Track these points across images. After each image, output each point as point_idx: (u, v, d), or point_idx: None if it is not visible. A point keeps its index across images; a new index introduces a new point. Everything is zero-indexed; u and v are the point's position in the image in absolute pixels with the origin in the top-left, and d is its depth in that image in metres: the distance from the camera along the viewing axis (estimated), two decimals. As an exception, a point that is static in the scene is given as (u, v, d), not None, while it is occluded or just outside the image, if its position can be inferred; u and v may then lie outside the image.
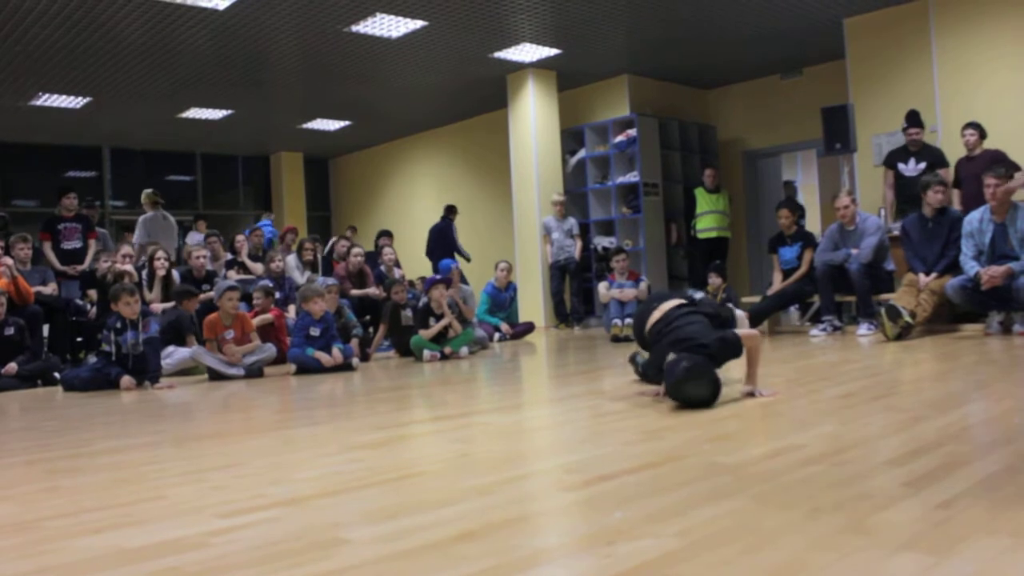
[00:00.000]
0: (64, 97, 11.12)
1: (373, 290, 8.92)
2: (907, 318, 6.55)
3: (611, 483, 2.46)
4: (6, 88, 10.48)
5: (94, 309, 8.03)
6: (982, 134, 7.74)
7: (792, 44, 10.50)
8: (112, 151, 14.71)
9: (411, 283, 10.31)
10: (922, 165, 8.13)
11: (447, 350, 7.51)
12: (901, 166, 8.29)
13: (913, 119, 8.25)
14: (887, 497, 2.14)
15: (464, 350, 7.61)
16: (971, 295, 6.55)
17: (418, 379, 6.10)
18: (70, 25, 8.33)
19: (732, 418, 3.56)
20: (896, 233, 7.73)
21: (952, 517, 1.95)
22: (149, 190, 10.37)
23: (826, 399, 3.87)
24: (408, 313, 8.01)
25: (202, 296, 7.81)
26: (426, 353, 7.40)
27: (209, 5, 7.99)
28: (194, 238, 11.12)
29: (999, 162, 7.11)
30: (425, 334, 7.55)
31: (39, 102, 11.23)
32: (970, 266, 6.53)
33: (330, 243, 11.65)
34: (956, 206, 7.54)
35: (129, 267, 7.93)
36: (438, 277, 8.20)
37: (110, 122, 12.71)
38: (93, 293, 8.20)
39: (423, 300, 7.87)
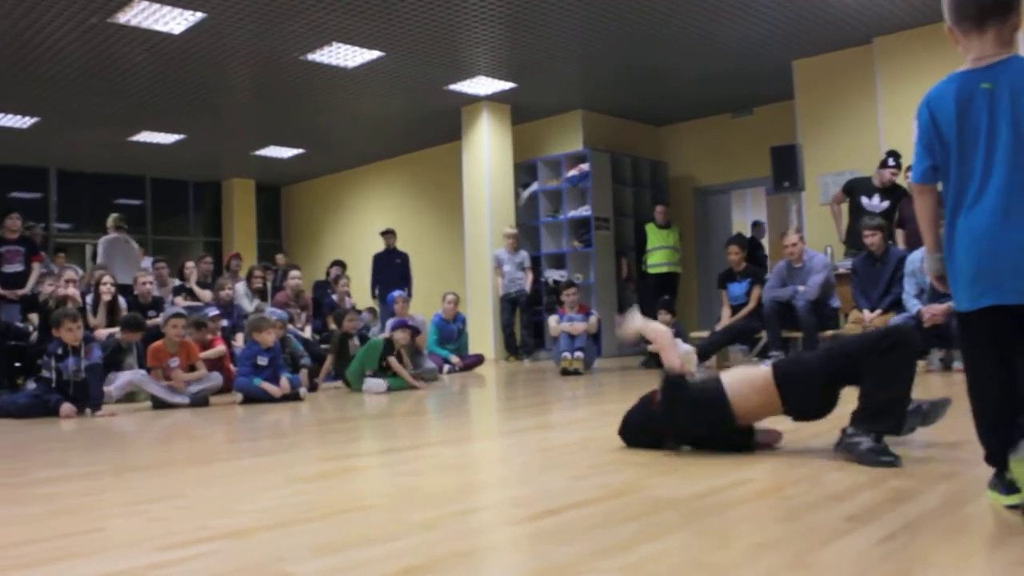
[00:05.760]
0: (10, 116, 10.91)
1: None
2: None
3: (558, 518, 2.45)
4: (-51, 106, 10.30)
5: (36, 333, 7.84)
6: None
7: (743, 84, 10.72)
8: (59, 172, 14.45)
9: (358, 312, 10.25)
10: (885, 203, 8.19)
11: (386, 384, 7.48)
12: (864, 200, 8.32)
13: (895, 157, 8.22)
14: (831, 531, 2.17)
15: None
16: (913, 333, 6.67)
17: (366, 410, 6.05)
18: (19, 44, 8.20)
19: (678, 453, 3.57)
20: (842, 271, 7.88)
21: (895, 551, 1.98)
22: (116, 214, 10.37)
23: (772, 434, 3.90)
24: (356, 342, 7.96)
25: (148, 323, 7.66)
26: (370, 383, 7.34)
27: (164, 29, 7.94)
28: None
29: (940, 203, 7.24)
30: (394, 366, 7.49)
31: (-17, 121, 11.02)
32: (912, 304, 6.68)
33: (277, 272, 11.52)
34: (901, 245, 7.71)
35: (73, 291, 7.77)
36: (408, 321, 8.17)
37: (58, 143, 12.49)
38: (35, 317, 8.02)
39: (383, 334, 7.86)
